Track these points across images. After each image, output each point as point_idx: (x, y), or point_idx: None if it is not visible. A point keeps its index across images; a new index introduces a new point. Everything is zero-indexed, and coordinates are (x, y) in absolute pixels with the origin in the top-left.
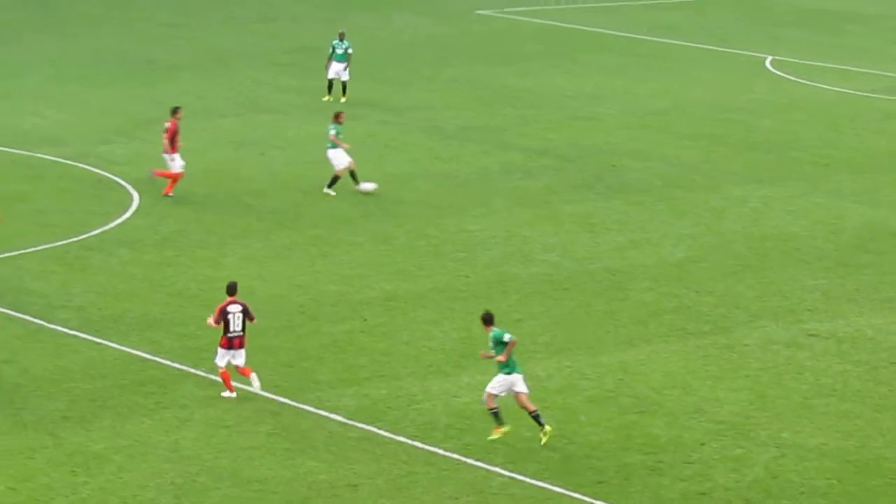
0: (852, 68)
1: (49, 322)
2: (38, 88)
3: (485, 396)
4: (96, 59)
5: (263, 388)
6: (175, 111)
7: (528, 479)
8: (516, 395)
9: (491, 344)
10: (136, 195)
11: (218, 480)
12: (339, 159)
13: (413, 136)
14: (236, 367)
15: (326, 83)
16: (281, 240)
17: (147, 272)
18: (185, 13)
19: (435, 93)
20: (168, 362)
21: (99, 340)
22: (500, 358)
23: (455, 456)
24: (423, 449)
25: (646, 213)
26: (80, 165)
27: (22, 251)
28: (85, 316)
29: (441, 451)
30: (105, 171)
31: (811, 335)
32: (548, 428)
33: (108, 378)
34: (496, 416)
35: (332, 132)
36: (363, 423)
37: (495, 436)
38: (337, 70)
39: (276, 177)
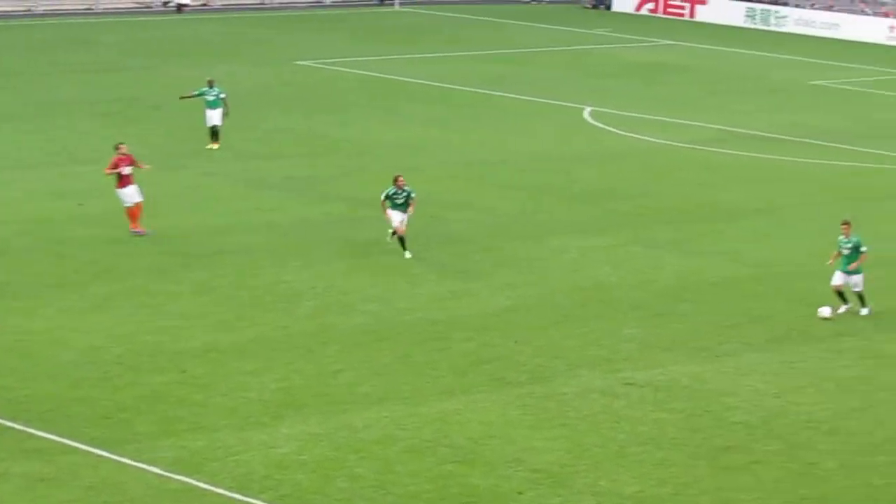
0: (670, 119)
1: None
2: None
3: None
4: None
5: (83, 440)
6: (116, 147)
7: None
8: None
9: None
10: None
11: None
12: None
13: (236, 187)
14: None
15: (209, 132)
16: (100, 290)
17: None
18: (3, 60)
19: (258, 143)
20: None
21: None
22: None
23: None
24: (240, 500)
25: (466, 264)
26: None
27: None
28: None
29: (259, 503)
30: None
31: (628, 384)
32: None
33: None
34: None
35: None
36: (182, 474)
37: None
38: (211, 117)
39: (95, 227)
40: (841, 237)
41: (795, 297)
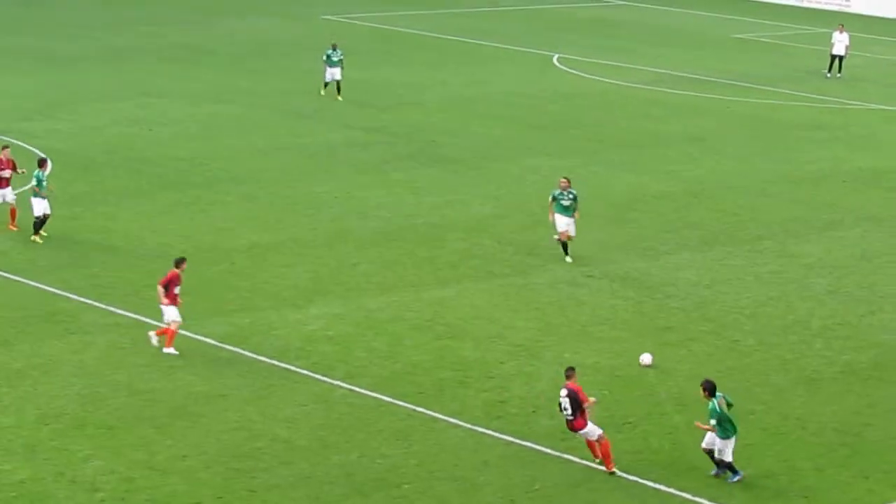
0: (621, 64)
1: None
2: None
3: None
4: (14, 55)
5: (152, 317)
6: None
7: (362, 391)
8: None
9: None
10: (49, 162)
11: (115, 391)
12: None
13: (275, 117)
14: None
15: (322, 83)
16: (167, 199)
17: (58, 224)
18: (83, 14)
19: (291, 82)
20: (76, 297)
21: (19, 279)
22: None
23: (304, 372)
24: (279, 366)
25: (459, 179)
26: (3, 138)
27: None
28: (7, 259)
29: (293, 368)
30: (23, 142)
31: (589, 276)
32: None
33: (27, 309)
34: None
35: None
36: (231, 345)
37: None
38: (332, 73)
39: (163, 148)
40: None
41: (722, 207)
